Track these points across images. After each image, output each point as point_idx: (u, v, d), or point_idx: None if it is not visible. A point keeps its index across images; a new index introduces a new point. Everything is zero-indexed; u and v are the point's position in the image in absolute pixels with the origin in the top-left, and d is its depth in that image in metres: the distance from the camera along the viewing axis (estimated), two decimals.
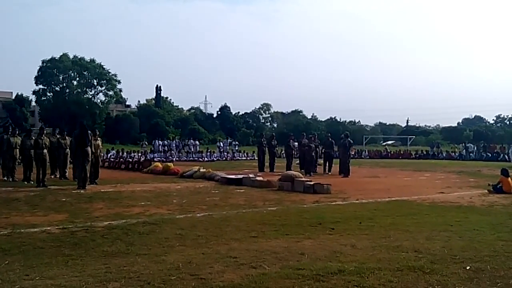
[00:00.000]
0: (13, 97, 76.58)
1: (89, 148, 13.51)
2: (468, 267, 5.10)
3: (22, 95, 75.26)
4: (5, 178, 15.92)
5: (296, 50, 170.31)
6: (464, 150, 40.58)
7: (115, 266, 5.12)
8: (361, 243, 6.33)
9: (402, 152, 44.59)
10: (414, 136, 69.16)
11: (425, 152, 42.16)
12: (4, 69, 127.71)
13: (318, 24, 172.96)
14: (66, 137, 17.40)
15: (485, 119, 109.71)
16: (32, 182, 14.41)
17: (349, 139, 20.25)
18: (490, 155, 37.33)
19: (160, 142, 37.32)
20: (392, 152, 43.98)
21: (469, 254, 5.68)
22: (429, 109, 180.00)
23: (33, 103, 76.26)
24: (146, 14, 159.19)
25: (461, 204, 10.59)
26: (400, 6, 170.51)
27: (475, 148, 40.93)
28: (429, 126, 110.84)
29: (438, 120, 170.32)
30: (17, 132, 17.47)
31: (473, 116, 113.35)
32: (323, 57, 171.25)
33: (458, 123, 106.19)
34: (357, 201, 10.93)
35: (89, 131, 13.94)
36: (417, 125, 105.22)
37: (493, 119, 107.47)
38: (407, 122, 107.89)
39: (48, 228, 7.34)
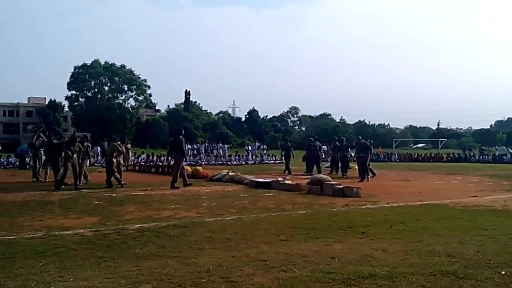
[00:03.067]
0: (47, 103, 78.48)
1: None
2: (503, 272, 4.99)
3: (55, 100, 77.21)
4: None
5: (324, 53, 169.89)
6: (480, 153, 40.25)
7: (147, 268, 5.18)
8: (392, 247, 6.25)
9: (433, 155, 43.91)
10: (445, 139, 68.10)
11: (457, 155, 41.44)
12: (38, 75, 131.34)
13: (345, 27, 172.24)
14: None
15: None
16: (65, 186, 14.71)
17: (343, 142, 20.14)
18: None
19: (189, 146, 37.62)
20: (423, 155, 43.33)
21: (504, 259, 5.55)
22: (460, 111, 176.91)
23: (66, 109, 77.97)
24: (174, 20, 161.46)
25: (495, 207, 10.35)
26: (428, 6, 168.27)
27: (509, 150, 40.12)
28: (461, 129, 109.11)
29: (470, 123, 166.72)
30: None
31: (506, 118, 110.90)
32: (351, 60, 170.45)
33: (490, 126, 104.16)
34: (387, 205, 10.80)
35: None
36: (449, 128, 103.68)
37: None
38: (438, 124, 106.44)
39: (81, 230, 7.47)
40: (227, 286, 4.55)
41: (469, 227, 7.91)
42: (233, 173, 17.65)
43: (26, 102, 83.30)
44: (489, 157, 39.77)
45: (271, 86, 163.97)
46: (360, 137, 20.35)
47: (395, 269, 5.07)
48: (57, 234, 7.19)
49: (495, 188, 15.24)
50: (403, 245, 6.37)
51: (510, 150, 41.32)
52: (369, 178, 18.30)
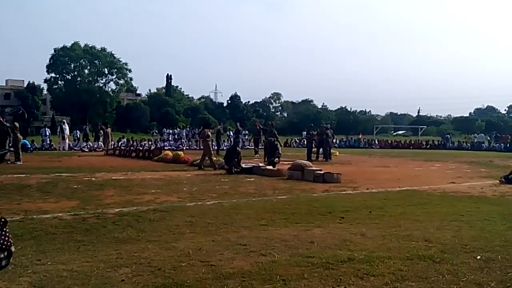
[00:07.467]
0: (25, 86, 77.12)
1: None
2: (478, 257, 5.08)
3: (34, 83, 75.92)
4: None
5: (307, 39, 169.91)
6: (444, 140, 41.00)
7: (126, 252, 5.16)
8: (371, 232, 6.33)
9: (413, 142, 44.38)
10: (425, 126, 68.84)
11: (436, 142, 41.95)
12: (16, 57, 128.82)
13: (329, 13, 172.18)
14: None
15: (497, 109, 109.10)
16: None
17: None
18: (502, 145, 37.05)
19: (170, 131, 37.41)
20: (403, 142, 43.76)
21: (480, 244, 5.66)
22: (440, 99, 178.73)
23: (45, 91, 76.75)
24: (157, 3, 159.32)
25: (472, 194, 10.52)
26: None
27: (487, 138, 40.75)
28: (441, 116, 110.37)
29: (450, 110, 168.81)
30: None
31: (485, 106, 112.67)
32: (334, 46, 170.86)
33: (470, 113, 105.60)
34: (367, 191, 10.90)
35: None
36: (429, 115, 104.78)
37: (505, 109, 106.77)
38: (418, 112, 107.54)
39: (60, 214, 7.39)
40: (207, 270, 4.56)
41: (446, 212, 8.03)
42: (215, 158, 17.60)
43: (4, 84, 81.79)
44: (468, 144, 40.32)
45: (253, 72, 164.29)
46: (270, 123, 23.44)
47: (373, 253, 5.13)
48: (35, 217, 7.10)
49: (473, 175, 15.49)
50: (382, 230, 6.45)
51: (488, 137, 41.96)
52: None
